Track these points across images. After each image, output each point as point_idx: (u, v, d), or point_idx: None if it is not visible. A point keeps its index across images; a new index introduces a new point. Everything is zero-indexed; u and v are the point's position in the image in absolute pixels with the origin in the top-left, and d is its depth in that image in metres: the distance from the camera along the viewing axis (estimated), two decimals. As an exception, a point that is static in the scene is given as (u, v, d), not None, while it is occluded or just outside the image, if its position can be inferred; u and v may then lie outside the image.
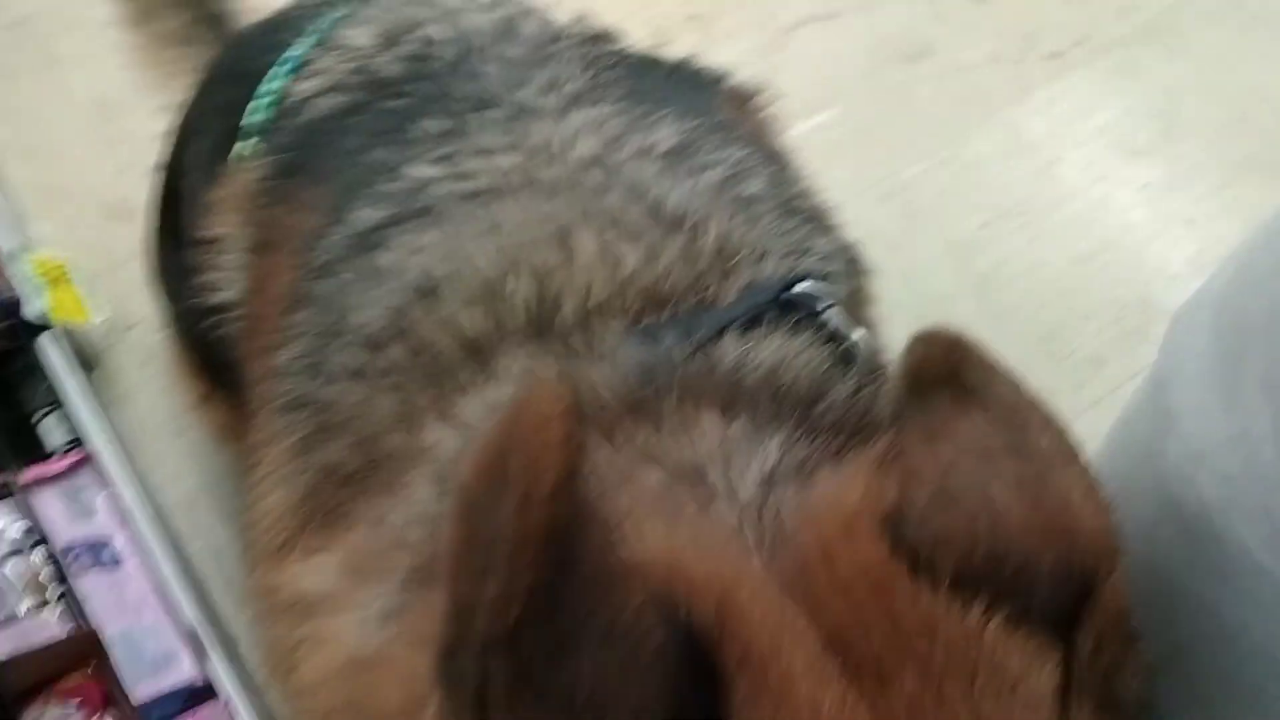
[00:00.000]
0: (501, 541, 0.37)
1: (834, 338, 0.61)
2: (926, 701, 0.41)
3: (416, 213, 0.64)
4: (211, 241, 0.77)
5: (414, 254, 0.62)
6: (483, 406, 0.55)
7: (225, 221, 0.76)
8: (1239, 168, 1.58)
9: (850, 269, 0.72)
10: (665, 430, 0.51)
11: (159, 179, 1.07)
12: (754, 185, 0.69)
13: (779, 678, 0.41)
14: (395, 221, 0.64)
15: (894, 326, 1.42)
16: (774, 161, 0.76)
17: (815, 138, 1.56)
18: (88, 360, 1.27)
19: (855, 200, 1.47)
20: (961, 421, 0.49)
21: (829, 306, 0.62)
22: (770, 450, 0.51)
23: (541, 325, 0.57)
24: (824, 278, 0.66)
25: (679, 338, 0.56)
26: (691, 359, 0.55)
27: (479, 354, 0.57)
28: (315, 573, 0.57)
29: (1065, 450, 0.48)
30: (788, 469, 0.50)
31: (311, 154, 0.75)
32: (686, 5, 1.63)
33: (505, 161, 0.66)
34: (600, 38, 0.80)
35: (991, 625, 0.43)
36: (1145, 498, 0.66)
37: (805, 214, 0.71)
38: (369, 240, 0.64)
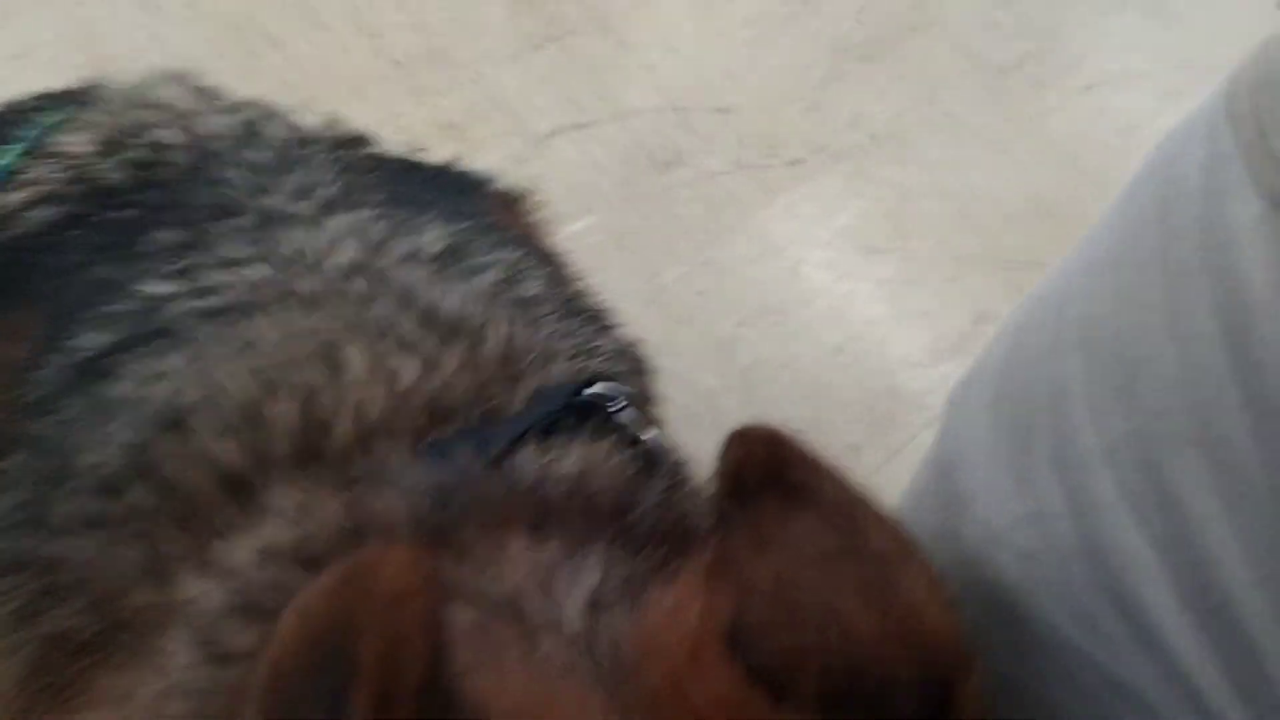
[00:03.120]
0: None
1: (634, 440, 0.57)
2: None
3: (152, 334, 0.55)
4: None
5: (152, 381, 0.53)
6: (250, 549, 0.47)
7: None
8: (965, 262, 1.69)
9: (635, 368, 0.69)
10: (470, 561, 0.45)
11: None
12: (532, 286, 0.65)
13: None
14: (127, 346, 0.55)
15: (672, 425, 1.42)
16: (549, 262, 0.72)
17: (576, 244, 1.54)
18: None
19: (620, 303, 1.48)
20: (791, 523, 0.46)
21: (623, 407, 0.58)
22: (589, 571, 0.46)
23: (311, 452, 0.50)
24: (613, 378, 0.63)
25: (472, 453, 0.50)
26: (488, 476, 0.49)
27: (240, 490, 0.49)
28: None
29: (903, 548, 0.45)
30: (612, 590, 0.45)
31: (19, 274, 0.64)
32: (440, 114, 1.60)
33: (254, 273, 0.59)
34: (355, 141, 0.75)
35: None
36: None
37: (586, 314, 0.68)
38: (95, 368, 0.55)
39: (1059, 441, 0.57)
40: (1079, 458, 0.56)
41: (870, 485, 1.45)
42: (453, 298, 0.59)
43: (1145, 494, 0.53)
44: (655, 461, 0.56)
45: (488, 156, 1.56)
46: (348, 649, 0.31)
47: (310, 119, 0.84)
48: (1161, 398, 0.52)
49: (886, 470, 1.45)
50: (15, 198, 0.72)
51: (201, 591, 0.46)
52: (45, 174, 0.72)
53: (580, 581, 0.45)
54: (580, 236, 1.53)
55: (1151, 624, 0.53)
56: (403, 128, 1.54)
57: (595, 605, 0.44)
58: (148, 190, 0.66)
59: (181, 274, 0.59)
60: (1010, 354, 0.65)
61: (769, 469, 0.48)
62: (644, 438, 0.57)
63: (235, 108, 0.78)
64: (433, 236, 0.64)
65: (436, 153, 1.53)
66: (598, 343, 0.65)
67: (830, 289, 1.62)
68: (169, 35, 1.55)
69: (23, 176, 0.73)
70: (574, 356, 0.61)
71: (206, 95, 0.81)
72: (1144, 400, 0.53)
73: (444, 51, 1.65)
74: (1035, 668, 0.60)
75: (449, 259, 0.63)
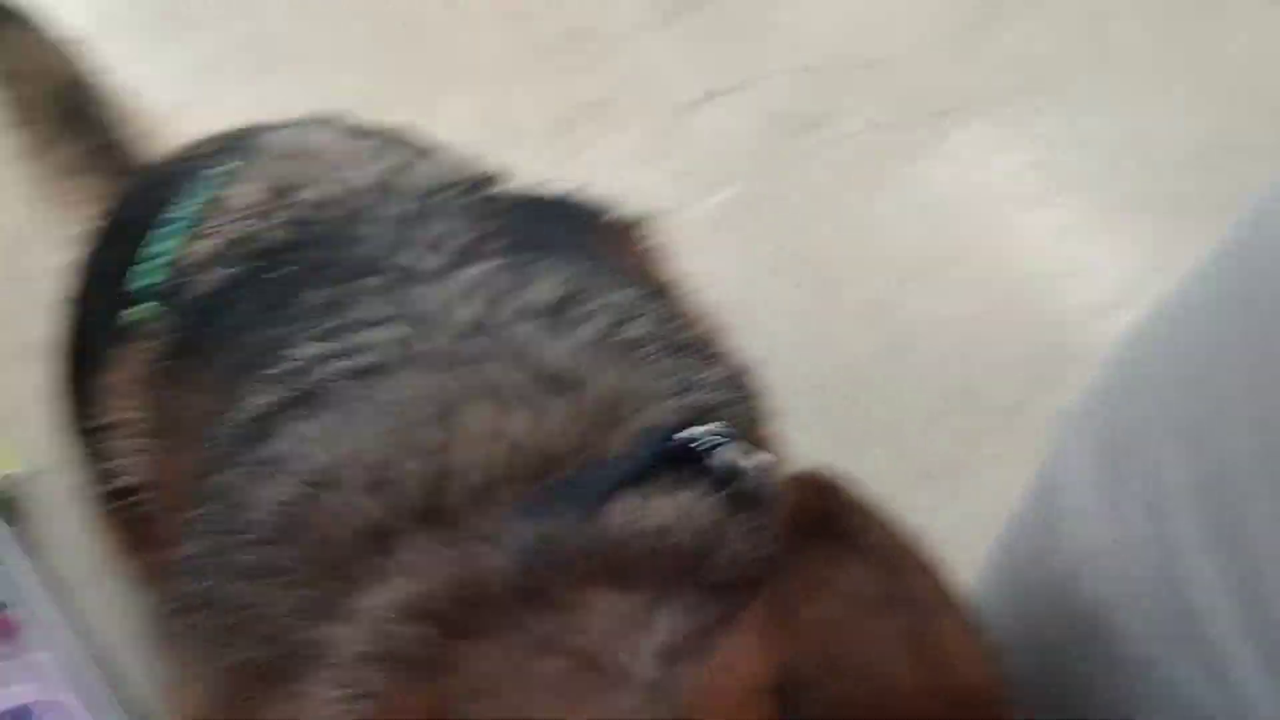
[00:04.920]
0: None
1: (726, 480, 0.62)
2: None
3: (305, 396, 0.64)
4: (111, 426, 0.77)
5: (304, 443, 0.62)
6: (383, 601, 0.55)
7: (123, 405, 0.76)
8: (1133, 208, 1.63)
9: (741, 394, 0.74)
10: (559, 614, 0.52)
11: (65, 327, 1.07)
12: (639, 327, 0.70)
13: None
14: (284, 407, 0.65)
15: (819, 393, 1.45)
16: (659, 296, 0.77)
17: (723, 214, 1.59)
18: (7, 512, 1.25)
19: (761, 272, 1.51)
20: (840, 571, 0.49)
21: (718, 445, 0.63)
22: (663, 624, 0.52)
23: (435, 509, 0.58)
24: (713, 410, 0.68)
25: (566, 509, 0.57)
26: (579, 532, 0.56)
27: (377, 544, 0.58)
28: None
29: (942, 596, 0.49)
30: (683, 641, 0.51)
31: (201, 332, 0.75)
32: (581, 93, 1.65)
33: (388, 334, 0.67)
34: (482, 183, 0.82)
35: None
36: (1036, 596, 0.68)
37: (692, 347, 0.72)
38: (260, 429, 0.64)
39: (1148, 474, 0.59)
40: (1165, 492, 0.58)
41: (1032, 448, 1.45)
42: (560, 351, 0.65)
43: (1222, 534, 0.55)
44: (743, 501, 0.61)
45: (630, 132, 1.61)
46: None
47: (447, 156, 0.91)
48: (1241, 440, 0.53)
49: (1047, 435, 1.44)
50: (198, 249, 0.82)
51: (344, 637, 0.55)
52: (219, 225, 0.82)
53: (655, 633, 0.51)
54: (723, 207, 1.57)
55: (1220, 655, 0.56)
56: (545, 110, 1.60)
57: (668, 656, 0.50)
58: (303, 249, 0.75)
59: (329, 335, 0.68)
60: (1111, 381, 0.66)
61: (821, 516, 0.51)
62: (738, 474, 0.62)
63: (380, 151, 0.86)
64: (548, 285, 0.70)
65: (580, 132, 1.60)
66: (701, 376, 0.70)
67: (987, 244, 1.60)
68: (321, 34, 1.64)
69: (202, 226, 0.84)
70: (674, 395, 0.66)
71: (354, 137, 0.89)
72: (1225, 441, 0.54)
73: (583, 31, 1.69)
74: (1123, 691, 0.63)
75: (561, 308, 0.69)
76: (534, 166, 1.56)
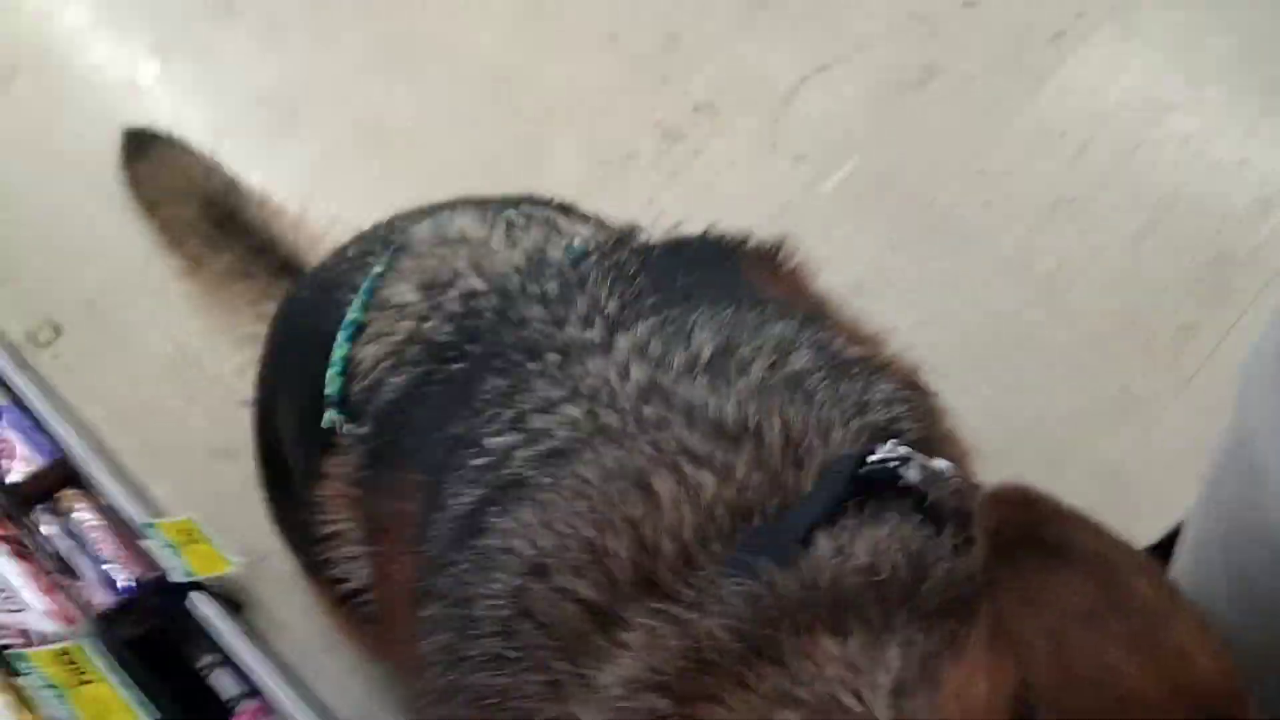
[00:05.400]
0: None
1: (918, 497, 0.63)
2: None
3: (507, 486, 0.68)
4: (329, 538, 0.82)
5: (516, 535, 0.66)
6: (618, 679, 0.58)
7: (336, 516, 0.81)
8: (1271, 92, 1.55)
9: (914, 400, 0.74)
10: (789, 667, 0.54)
11: (256, 432, 1.14)
12: (801, 359, 0.71)
13: None
14: (490, 501, 0.68)
15: (976, 353, 1.43)
16: (814, 320, 0.78)
17: (847, 190, 1.57)
18: (236, 603, 1.34)
19: (894, 242, 1.49)
20: (1054, 582, 0.49)
21: (904, 462, 0.64)
22: (891, 661, 0.53)
23: (647, 576, 0.61)
24: (891, 425, 0.69)
25: (772, 554, 0.59)
26: (788, 578, 0.58)
27: (601, 619, 0.61)
28: None
29: (1165, 595, 0.49)
30: (912, 673, 0.52)
31: (396, 437, 0.79)
32: (689, 99, 1.66)
33: (569, 413, 0.70)
34: (620, 242, 0.84)
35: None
36: (1247, 552, 0.67)
37: (857, 365, 0.73)
38: (471, 525, 0.68)
39: None
40: None
41: (1210, 368, 1.40)
42: (731, 402, 0.67)
43: None
44: (942, 513, 0.62)
45: (742, 126, 1.61)
46: None
47: (584, 216, 0.94)
48: None
49: (1227, 347, 1.38)
50: (370, 351, 0.87)
51: (586, 711, 0.59)
52: (385, 326, 0.87)
53: (885, 671, 0.53)
54: (846, 184, 1.55)
55: None
56: (658, 122, 1.61)
57: (899, 692, 0.52)
58: (470, 341, 0.79)
59: (515, 423, 0.72)
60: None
61: (1026, 529, 0.51)
62: (930, 491, 0.63)
63: (521, 228, 0.89)
64: (703, 338, 0.72)
65: (692, 136, 1.60)
66: (871, 394, 0.70)
67: (1126, 163, 1.54)
68: (425, 107, 1.68)
69: (370, 329, 0.88)
70: (850, 419, 0.67)
71: (492, 213, 0.93)
72: None
73: (675, 37, 1.70)
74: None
75: (722, 359, 0.71)
76: (652, 181, 1.58)
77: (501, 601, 0.64)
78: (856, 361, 0.74)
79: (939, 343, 1.26)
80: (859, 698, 0.52)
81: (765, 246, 0.89)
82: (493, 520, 0.67)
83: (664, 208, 1.38)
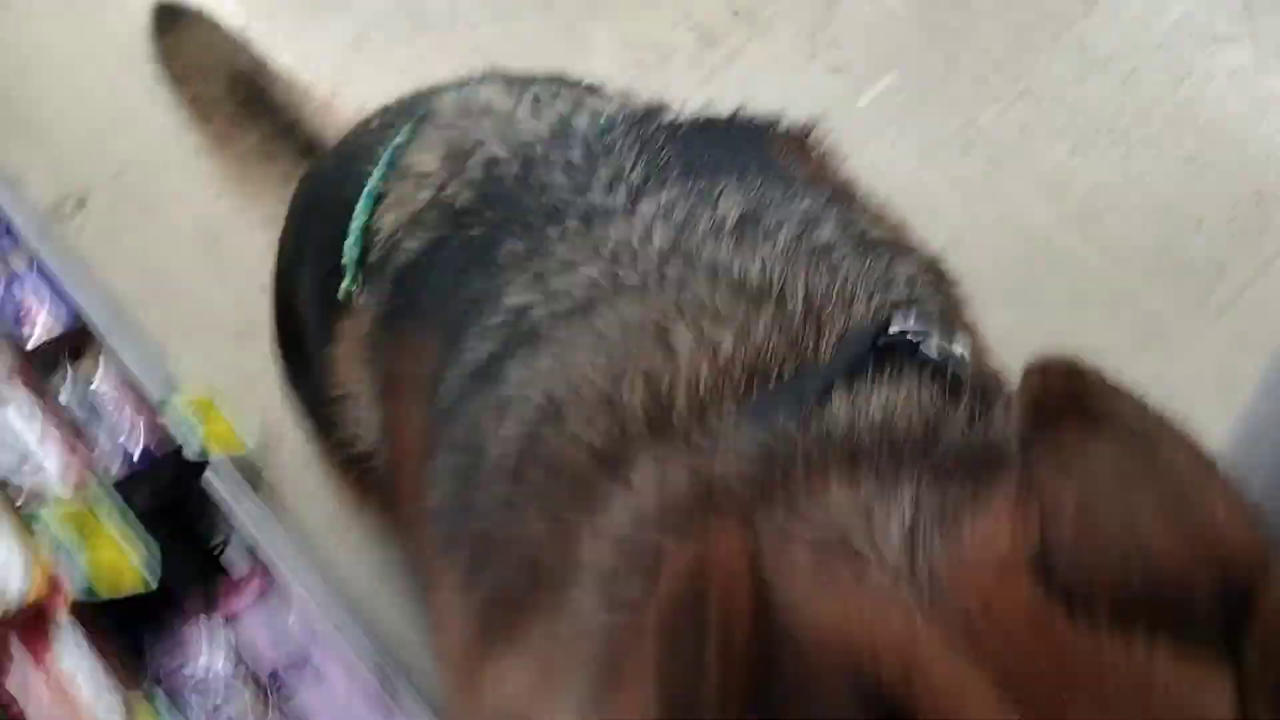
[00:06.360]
0: (706, 679, 0.41)
1: (938, 370, 0.62)
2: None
3: (523, 340, 0.67)
4: (340, 399, 0.82)
5: (531, 382, 0.65)
6: (627, 518, 0.58)
7: (348, 377, 0.81)
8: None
9: (936, 284, 0.73)
10: (799, 507, 0.54)
11: (274, 303, 1.14)
12: (826, 233, 0.70)
13: None
14: (506, 354, 0.68)
15: (1005, 273, 1.41)
16: (840, 200, 0.77)
17: (884, 104, 1.54)
18: (251, 481, 1.35)
19: (931, 157, 1.47)
20: (1092, 450, 0.49)
21: (924, 335, 0.63)
22: (905, 506, 0.53)
23: (660, 427, 0.60)
24: (912, 304, 0.68)
25: (788, 409, 0.58)
26: (804, 430, 0.57)
27: (612, 464, 0.60)
28: (508, 698, 0.61)
29: (1202, 467, 0.48)
30: (927, 521, 0.52)
31: (411, 298, 0.79)
32: (727, 2, 1.63)
33: (590, 272, 0.69)
34: (648, 115, 0.82)
35: (1157, 653, 0.44)
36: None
37: (881, 245, 0.72)
38: (486, 375, 0.68)
39: None
40: None
41: (1240, 304, 1.38)
42: (755, 265, 0.66)
43: None
44: (960, 388, 0.61)
45: (778, 36, 1.58)
46: (702, 616, 0.42)
47: (611, 94, 0.92)
48: None
49: (1260, 285, 1.36)
50: (389, 219, 0.86)
51: (596, 554, 0.58)
52: (406, 193, 0.86)
53: (896, 516, 0.52)
54: (886, 96, 1.52)
55: None
56: (696, 24, 1.58)
57: (912, 539, 0.51)
58: (490, 206, 0.78)
59: (534, 282, 0.71)
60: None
61: (1069, 398, 0.50)
62: (949, 363, 0.62)
63: (546, 100, 0.87)
64: (729, 205, 0.71)
65: (730, 41, 1.57)
66: (894, 271, 0.69)
67: (1172, 93, 1.50)
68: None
69: (390, 198, 0.87)
70: (873, 292, 0.66)
71: (520, 88, 0.91)
72: None
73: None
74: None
75: (747, 224, 0.70)
76: (688, 82, 1.56)
77: (512, 448, 0.64)
78: (881, 241, 0.73)
79: (968, 261, 1.25)
80: (870, 540, 0.51)
81: (795, 129, 0.87)
82: (508, 370, 0.67)
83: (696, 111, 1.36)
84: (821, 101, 1.55)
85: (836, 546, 0.52)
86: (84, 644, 1.02)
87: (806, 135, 0.87)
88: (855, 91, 1.54)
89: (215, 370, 1.45)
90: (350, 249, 0.88)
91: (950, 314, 0.73)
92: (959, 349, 0.65)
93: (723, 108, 0.91)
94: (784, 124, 0.87)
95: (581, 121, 0.82)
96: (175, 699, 1.02)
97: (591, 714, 0.57)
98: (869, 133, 1.50)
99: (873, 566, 0.51)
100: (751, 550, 0.43)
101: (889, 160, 1.48)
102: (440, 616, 0.68)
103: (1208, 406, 0.89)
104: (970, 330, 0.77)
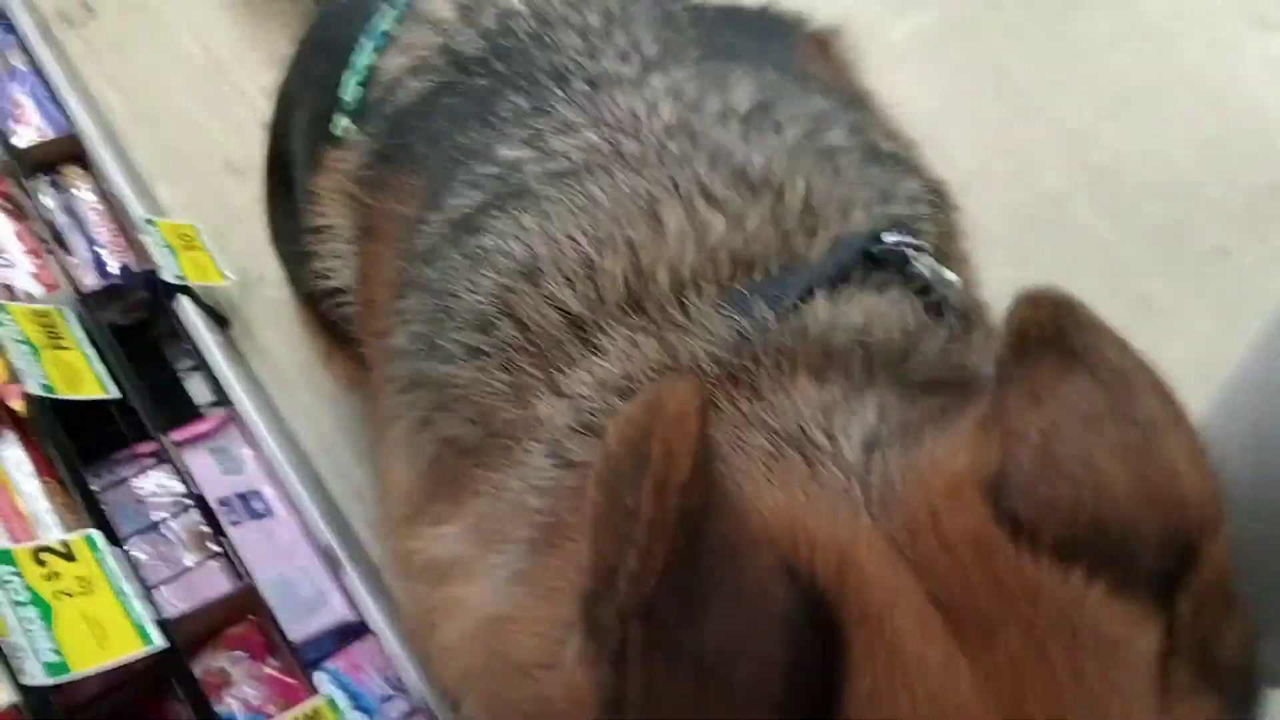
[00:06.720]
0: (640, 519, 0.41)
1: (925, 288, 0.61)
2: (1029, 661, 0.43)
3: (510, 196, 0.66)
4: (319, 230, 0.80)
5: (514, 237, 0.64)
6: (589, 382, 0.57)
7: (330, 210, 0.79)
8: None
9: (938, 208, 0.71)
10: (764, 397, 0.53)
11: (269, 141, 1.11)
12: (836, 136, 0.68)
13: (893, 634, 0.43)
14: (491, 206, 0.66)
15: (1009, 227, 1.39)
16: (855, 107, 0.75)
17: (915, 39, 1.51)
18: (223, 317, 1.34)
19: (958, 97, 1.44)
20: (1066, 384, 0.48)
21: (917, 255, 0.62)
22: (867, 413, 0.52)
23: (638, 298, 0.59)
24: (911, 222, 0.66)
25: (768, 303, 0.57)
26: (782, 324, 0.56)
27: (582, 329, 0.59)
28: (445, 540, 0.61)
29: (1171, 414, 0.47)
30: (890, 429, 0.51)
31: (405, 140, 0.77)
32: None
33: (588, 137, 0.67)
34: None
35: (1093, 590, 0.44)
36: (1267, 447, 0.66)
37: (889, 158, 0.70)
38: (469, 224, 0.66)
39: None
40: None
41: (1239, 290, 1.37)
42: (760, 154, 0.64)
43: None
44: (943, 309, 0.60)
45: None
46: (644, 452, 0.42)
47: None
48: None
49: (1258, 275, 1.35)
50: (395, 62, 0.84)
51: (553, 412, 0.58)
52: (415, 38, 0.83)
53: (860, 420, 0.52)
54: (923, 29, 1.49)
55: None
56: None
57: (872, 443, 0.51)
58: (499, 59, 0.76)
59: (531, 138, 0.69)
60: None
61: (1053, 330, 0.49)
62: (935, 285, 0.61)
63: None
64: (743, 93, 0.69)
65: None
66: (898, 186, 0.68)
67: (1209, 71, 1.47)
68: None
69: (399, 41, 0.85)
70: (872, 203, 0.65)
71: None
72: None
73: None
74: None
75: (757, 115, 0.68)
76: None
77: (486, 298, 0.63)
78: (889, 154, 0.71)
79: (977, 209, 1.23)
80: (829, 437, 0.51)
81: (822, 31, 0.85)
82: (492, 222, 0.65)
83: None
84: (854, 27, 1.52)
85: (795, 438, 0.51)
86: (26, 444, 1.01)
87: (831, 39, 0.85)
88: (891, 21, 1.51)
89: (203, 201, 1.43)
90: (352, 87, 0.86)
91: (946, 239, 0.71)
92: (949, 273, 0.64)
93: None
94: (811, 25, 0.85)
95: None
96: (118, 509, 1.02)
97: (526, 566, 0.57)
98: (897, 61, 1.46)
99: (828, 461, 0.50)
100: (700, 401, 0.42)
101: (914, 94, 1.44)
102: (388, 458, 0.67)
103: (1192, 392, 0.89)
104: (963, 261, 0.75)
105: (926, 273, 0.62)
